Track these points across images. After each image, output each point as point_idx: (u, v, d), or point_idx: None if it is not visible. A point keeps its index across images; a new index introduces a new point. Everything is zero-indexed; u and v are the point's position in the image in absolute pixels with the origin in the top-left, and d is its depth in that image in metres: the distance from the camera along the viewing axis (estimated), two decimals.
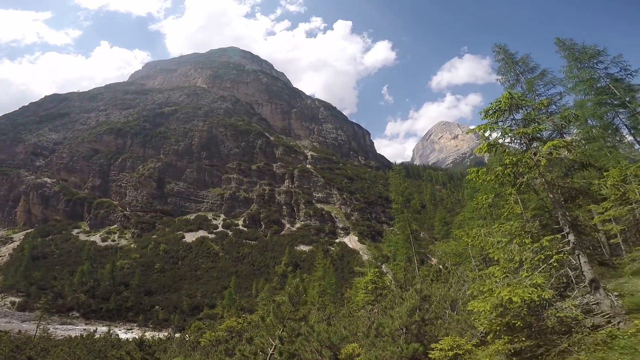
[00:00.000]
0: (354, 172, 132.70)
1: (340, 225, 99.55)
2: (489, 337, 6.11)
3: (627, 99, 19.59)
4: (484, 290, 6.18)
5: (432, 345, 7.12)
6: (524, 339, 5.57)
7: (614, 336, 5.43)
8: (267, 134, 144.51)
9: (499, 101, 7.87)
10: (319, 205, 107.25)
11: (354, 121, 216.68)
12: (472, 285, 8.34)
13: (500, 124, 8.21)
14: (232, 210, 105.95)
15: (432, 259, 48.48)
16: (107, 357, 18.68)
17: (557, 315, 5.58)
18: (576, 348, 5.32)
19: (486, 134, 8.27)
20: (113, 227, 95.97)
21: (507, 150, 7.81)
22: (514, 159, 7.18)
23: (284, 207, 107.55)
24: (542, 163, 6.89)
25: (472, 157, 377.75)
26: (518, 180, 7.39)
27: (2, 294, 64.90)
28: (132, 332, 50.33)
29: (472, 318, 7.24)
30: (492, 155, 8.35)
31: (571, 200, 7.75)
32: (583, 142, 22.11)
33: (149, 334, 39.52)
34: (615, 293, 6.68)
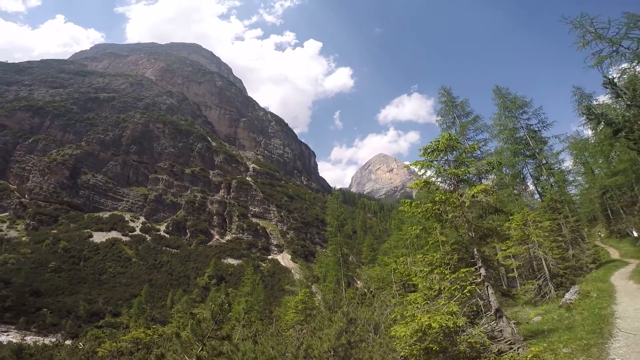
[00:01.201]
0: (295, 192, 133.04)
1: (275, 242, 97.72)
2: None
3: (537, 150, 23.34)
4: (407, 315, 6.60)
5: None
6: None
7: None
8: (209, 139, 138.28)
9: (438, 141, 8.81)
10: (254, 220, 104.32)
11: (303, 140, 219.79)
12: (395, 309, 8.80)
13: (435, 162, 9.13)
14: (155, 213, 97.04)
15: (358, 282, 50.06)
16: None
17: (468, 340, 6.17)
18: None
19: (422, 171, 9.13)
20: (3, 214, 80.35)
21: (439, 188, 8.68)
22: (444, 197, 8.02)
23: (215, 217, 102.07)
24: (467, 204, 7.81)
25: (402, 190, 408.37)
26: (444, 217, 8.24)
27: None
28: (8, 335, 42.36)
29: (394, 342, 7.58)
30: (424, 191, 9.17)
31: (484, 238, 8.84)
32: (496, 187, 25.60)
33: (29, 339, 33.07)
34: (514, 321, 7.67)
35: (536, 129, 25.60)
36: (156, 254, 78.56)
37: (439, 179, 9.44)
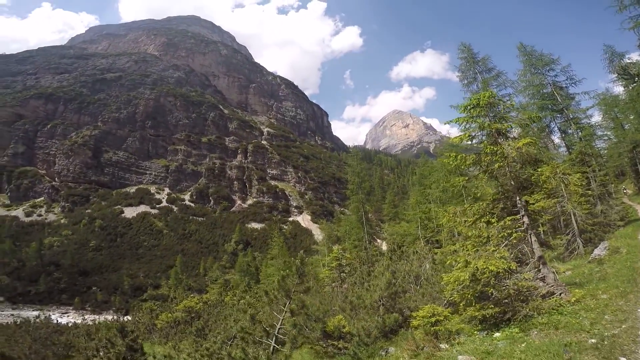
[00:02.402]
0: (310, 152, 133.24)
1: (294, 204, 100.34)
2: (461, 305, 7.04)
3: (565, 105, 22.45)
4: (459, 261, 7.07)
5: (413, 314, 7.94)
6: (492, 306, 6.57)
7: (560, 304, 6.69)
8: (221, 107, 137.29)
9: (478, 98, 8.69)
10: (273, 182, 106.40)
11: (314, 102, 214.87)
12: (449, 257, 9.33)
13: (477, 118, 9.10)
14: (178, 184, 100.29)
15: (377, 239, 51.48)
16: (54, 344, 17.08)
17: (517, 284, 6.63)
18: (535, 313, 6.46)
19: (463, 125, 9.17)
20: (39, 200, 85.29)
21: (483, 141, 8.74)
22: (494, 149, 8.14)
23: (235, 182, 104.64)
24: (513, 154, 7.91)
25: (419, 145, 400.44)
26: (489, 168, 8.41)
27: None
28: (68, 316, 46.51)
29: (441, 289, 8.18)
30: (465, 144, 9.25)
31: (524, 189, 8.99)
32: (535, 139, 25.03)
33: (88, 317, 36.79)
34: (554, 269, 8.07)
35: (564, 85, 24.38)
36: (184, 224, 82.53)
37: (480, 133, 9.46)
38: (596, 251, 11.97)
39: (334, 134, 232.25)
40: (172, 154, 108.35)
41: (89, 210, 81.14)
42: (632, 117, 31.10)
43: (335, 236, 40.77)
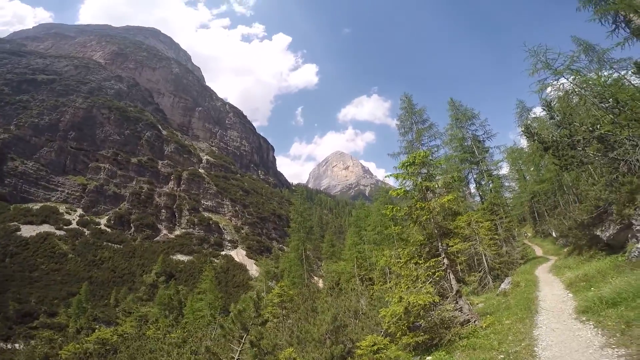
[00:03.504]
0: (251, 186, 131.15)
1: (228, 238, 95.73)
2: (397, 335, 8.12)
3: (480, 158, 26.97)
4: (395, 297, 8.24)
5: (357, 344, 8.71)
6: (422, 334, 7.76)
7: (475, 329, 8.22)
8: (159, 127, 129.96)
9: (414, 157, 10.67)
10: (206, 214, 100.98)
11: (261, 134, 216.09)
12: (386, 294, 10.49)
13: (409, 175, 11.01)
14: (95, 205, 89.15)
15: (314, 277, 51.87)
16: None
17: (441, 315, 7.98)
18: (456, 337, 7.84)
19: (399, 180, 11.02)
20: None
21: (414, 197, 10.57)
22: (422, 205, 9.92)
23: (163, 210, 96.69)
24: (437, 210, 9.75)
25: (356, 188, 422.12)
26: (419, 220, 10.15)
27: None
28: None
29: (378, 322, 9.16)
30: (400, 198, 11.01)
31: (445, 235, 10.88)
32: (444, 191, 29.10)
33: None
34: (469, 301, 9.78)
35: (481, 139, 29.44)
36: (96, 250, 72.56)
37: (411, 186, 11.36)
38: (502, 285, 14.42)
39: (279, 169, 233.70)
40: (93, 172, 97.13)
41: None
42: (532, 169, 38.12)
43: (273, 272, 40.12)
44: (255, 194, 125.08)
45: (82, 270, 64.66)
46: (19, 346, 27.39)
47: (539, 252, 26.81)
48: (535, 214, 38.57)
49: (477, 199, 30.66)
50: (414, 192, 10.74)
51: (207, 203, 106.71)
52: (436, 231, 10.47)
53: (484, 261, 16.91)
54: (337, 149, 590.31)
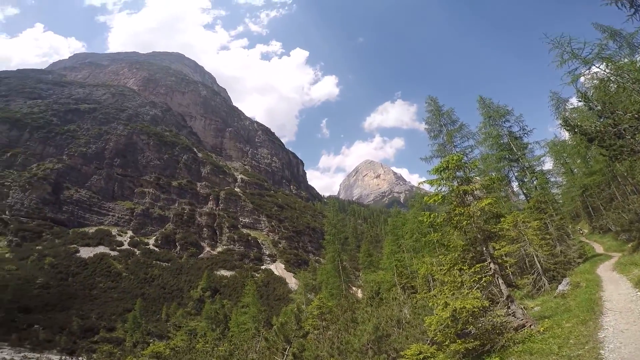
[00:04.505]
0: (285, 201, 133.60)
1: (267, 252, 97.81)
2: (445, 343, 7.96)
3: (519, 155, 25.49)
4: (439, 303, 8.11)
5: (401, 353, 8.64)
6: (472, 340, 7.56)
7: (531, 334, 7.86)
8: (195, 150, 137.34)
9: (447, 161, 10.54)
10: (245, 231, 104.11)
11: (290, 149, 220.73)
12: (430, 301, 10.33)
13: (444, 181, 10.83)
14: (143, 227, 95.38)
15: (352, 287, 51.27)
16: None
17: (492, 321, 7.73)
18: (511, 343, 7.55)
19: (434, 187, 10.87)
20: None
21: (453, 202, 10.38)
22: (461, 210, 9.74)
23: (204, 229, 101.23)
24: (477, 214, 9.53)
25: (390, 195, 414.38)
26: (459, 225, 9.94)
27: None
28: (2, 352, 41.82)
29: (423, 331, 9.02)
30: (437, 205, 10.82)
31: (489, 239, 10.51)
32: (483, 191, 27.71)
33: (27, 355, 32.55)
34: (522, 306, 9.33)
35: (517, 135, 27.88)
36: (147, 268, 77.30)
37: (447, 191, 11.14)
38: (560, 287, 13.49)
39: (309, 183, 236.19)
40: (139, 197, 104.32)
41: (40, 247, 74.23)
42: (578, 162, 35.10)
43: (311, 284, 40.34)
44: (289, 209, 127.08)
45: (136, 288, 69.04)
46: (83, 359, 29.53)
47: (599, 249, 24.68)
48: (590, 208, 35.40)
49: (522, 197, 28.84)
50: (451, 197, 10.55)
51: (244, 220, 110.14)
52: (479, 235, 10.19)
53: (536, 262, 15.92)
54: (366, 158, 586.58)
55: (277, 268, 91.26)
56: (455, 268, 9.66)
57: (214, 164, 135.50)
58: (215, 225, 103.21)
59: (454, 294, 8.42)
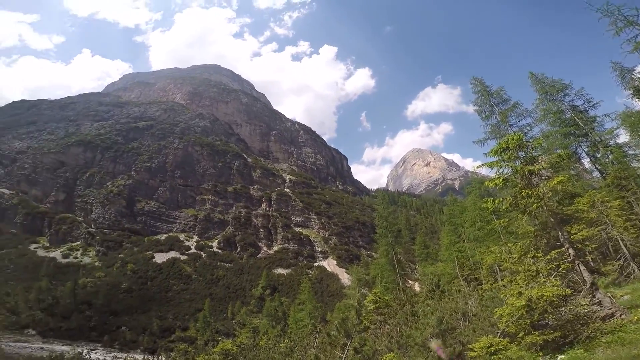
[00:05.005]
0: (332, 197, 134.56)
1: (319, 249, 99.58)
2: (519, 334, 7.43)
3: (588, 129, 22.63)
4: (513, 293, 7.58)
5: (470, 346, 8.28)
6: (552, 331, 6.96)
7: (622, 324, 7.02)
8: (244, 155, 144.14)
9: (507, 141, 9.73)
10: (297, 229, 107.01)
11: (332, 146, 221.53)
12: (502, 291, 9.74)
13: (504, 162, 10.02)
14: (206, 232, 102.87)
15: (409, 281, 49.99)
16: None
17: (574, 310, 7.03)
18: (598, 333, 6.82)
19: (494, 169, 10.11)
20: (76, 243, 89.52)
21: (518, 184, 9.58)
22: (528, 192, 8.95)
23: (260, 230, 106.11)
24: (548, 195, 8.68)
25: (443, 183, 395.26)
26: (528, 209, 9.14)
27: None
28: (96, 353, 47.60)
29: (492, 323, 8.49)
30: (499, 189, 10.01)
31: (565, 222, 9.52)
32: (551, 170, 24.97)
33: (117, 355, 37.14)
34: (609, 294, 8.34)
35: (582, 109, 24.61)
36: (212, 269, 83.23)
37: (509, 173, 10.27)
38: None
39: (355, 177, 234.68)
40: (200, 204, 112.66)
41: (122, 255, 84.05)
42: None
43: (364, 279, 40.21)
44: (337, 205, 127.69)
45: (204, 288, 74.81)
46: (162, 358, 32.62)
47: None
48: None
49: (596, 174, 25.47)
50: (515, 179, 9.73)
51: (296, 219, 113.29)
52: (552, 219, 9.27)
53: (623, 247, 14.04)
54: (412, 147, 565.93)
55: (329, 264, 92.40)
56: (528, 256, 8.92)
57: (263, 167, 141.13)
58: (269, 225, 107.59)
59: (528, 283, 7.79)
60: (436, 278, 29.43)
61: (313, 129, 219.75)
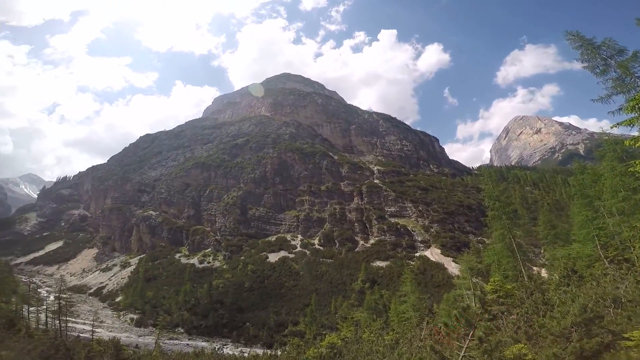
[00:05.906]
0: (428, 182, 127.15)
1: (419, 239, 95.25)
2: None
3: None
4: None
5: (625, 335, 6.76)
6: None
7: None
8: (330, 154, 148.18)
9: None
10: (392, 220, 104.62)
11: (418, 129, 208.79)
12: None
13: None
14: (308, 230, 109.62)
15: (532, 266, 43.38)
16: None
17: None
18: None
19: (637, 127, 7.90)
20: (207, 250, 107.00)
21: None
22: None
23: (355, 224, 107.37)
24: None
25: (562, 150, 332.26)
26: None
27: (124, 312, 76.53)
28: (227, 348, 54.09)
29: None
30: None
31: None
32: None
33: (245, 350, 42.28)
34: None
35: None
36: (316, 266, 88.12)
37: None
38: None
39: (451, 157, 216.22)
40: (299, 205, 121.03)
41: (243, 257, 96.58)
42: None
43: (476, 268, 36.39)
44: (435, 190, 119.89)
45: (310, 284, 79.73)
46: (278, 352, 36.05)
47: None
48: None
49: None
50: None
51: (390, 209, 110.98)
52: None
53: None
54: (514, 115, 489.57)
55: (433, 254, 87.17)
56: None
57: (350, 162, 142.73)
58: (363, 218, 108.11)
59: None
60: (571, 262, 24.74)
61: (392, 115, 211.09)
